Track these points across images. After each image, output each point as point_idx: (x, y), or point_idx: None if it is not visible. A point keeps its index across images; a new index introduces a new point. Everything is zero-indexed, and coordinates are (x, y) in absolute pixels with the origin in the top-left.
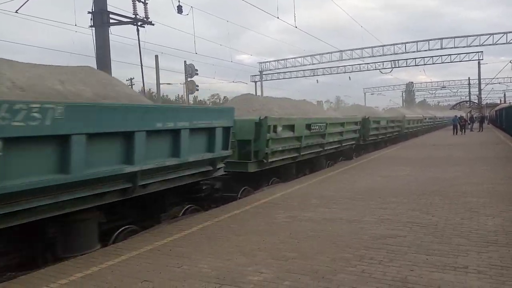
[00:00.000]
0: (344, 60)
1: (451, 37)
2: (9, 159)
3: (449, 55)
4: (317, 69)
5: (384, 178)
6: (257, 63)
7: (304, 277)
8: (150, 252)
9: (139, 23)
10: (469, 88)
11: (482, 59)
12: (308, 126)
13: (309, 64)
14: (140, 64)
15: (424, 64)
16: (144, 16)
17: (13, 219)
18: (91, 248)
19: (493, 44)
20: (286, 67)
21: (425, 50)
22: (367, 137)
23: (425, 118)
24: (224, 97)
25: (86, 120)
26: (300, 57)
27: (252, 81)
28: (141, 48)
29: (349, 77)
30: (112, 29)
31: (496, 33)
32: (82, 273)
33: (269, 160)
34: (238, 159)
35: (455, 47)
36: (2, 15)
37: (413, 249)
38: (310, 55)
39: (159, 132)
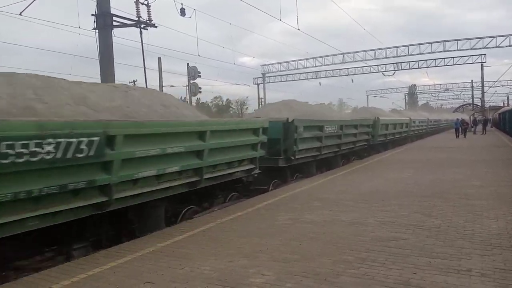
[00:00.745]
0: (346, 62)
1: (454, 40)
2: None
3: (452, 57)
4: (320, 71)
5: (387, 181)
6: (260, 66)
7: (306, 279)
8: (152, 253)
9: (142, 26)
10: (472, 91)
11: (485, 62)
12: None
13: (312, 67)
14: (143, 66)
15: (427, 67)
16: (147, 19)
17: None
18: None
19: (496, 47)
20: (289, 70)
21: (428, 53)
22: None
23: (431, 121)
24: (227, 99)
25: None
26: (302, 59)
27: (255, 84)
28: (144, 51)
29: (352, 80)
30: (116, 31)
31: (499, 36)
32: (85, 274)
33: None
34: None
35: (458, 50)
36: (5, 17)
37: (416, 252)
38: (313, 58)
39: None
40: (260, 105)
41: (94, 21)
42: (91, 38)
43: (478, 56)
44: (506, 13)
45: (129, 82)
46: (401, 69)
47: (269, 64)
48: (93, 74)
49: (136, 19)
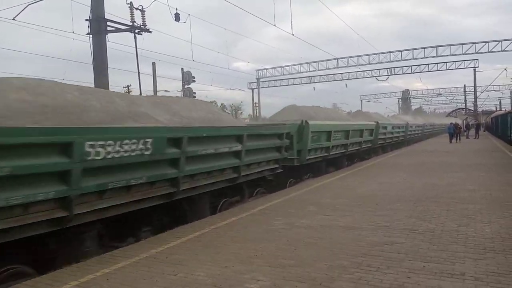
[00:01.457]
0: (340, 67)
1: (446, 45)
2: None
3: (445, 62)
4: (314, 76)
5: (381, 185)
6: (254, 70)
7: (301, 285)
8: (146, 259)
9: (136, 31)
10: (465, 96)
11: (478, 67)
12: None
13: (306, 72)
14: (137, 71)
15: (420, 72)
16: (141, 24)
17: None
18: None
19: (488, 52)
20: (283, 75)
21: (421, 58)
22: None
23: (426, 126)
24: (221, 104)
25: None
26: (297, 64)
27: (249, 88)
28: (138, 56)
29: (346, 85)
30: (110, 36)
31: (491, 41)
32: (77, 281)
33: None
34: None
35: (450, 55)
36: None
37: (410, 256)
38: (307, 63)
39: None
40: (255, 110)
41: (88, 26)
42: (85, 43)
43: (470, 61)
44: (500, 19)
45: (123, 87)
46: (395, 74)
47: (263, 69)
48: (86, 79)
49: (131, 24)
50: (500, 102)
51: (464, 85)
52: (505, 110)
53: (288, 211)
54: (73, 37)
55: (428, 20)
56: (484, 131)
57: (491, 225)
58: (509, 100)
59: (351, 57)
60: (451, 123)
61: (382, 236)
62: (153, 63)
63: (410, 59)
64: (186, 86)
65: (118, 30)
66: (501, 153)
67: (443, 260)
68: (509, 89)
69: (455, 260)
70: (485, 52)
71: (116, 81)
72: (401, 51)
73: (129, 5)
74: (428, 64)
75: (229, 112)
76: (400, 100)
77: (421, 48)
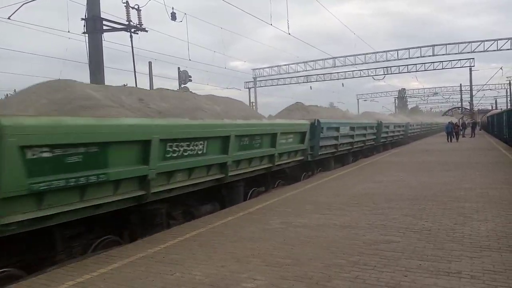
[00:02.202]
0: (337, 66)
1: (442, 44)
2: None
3: (441, 61)
4: (311, 75)
5: (378, 184)
6: (251, 70)
7: (298, 284)
8: (142, 259)
9: (132, 30)
10: (461, 95)
11: (474, 66)
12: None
13: (303, 71)
14: (133, 70)
15: (416, 71)
16: (137, 23)
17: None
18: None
19: (484, 51)
20: (280, 74)
21: (417, 57)
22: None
23: (424, 124)
24: None
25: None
26: (293, 63)
27: (246, 88)
28: (134, 55)
29: (342, 84)
30: (106, 35)
31: (487, 40)
32: (73, 281)
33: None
34: None
35: (447, 54)
36: None
37: (407, 255)
38: (304, 62)
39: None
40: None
41: (84, 25)
42: (81, 42)
43: (466, 60)
44: (497, 18)
45: None
46: (391, 73)
47: (260, 68)
48: (82, 79)
49: (127, 23)
50: (496, 101)
51: (460, 84)
52: (501, 109)
53: (285, 210)
54: (69, 36)
55: (425, 19)
56: (480, 130)
57: (487, 224)
58: (505, 99)
59: (347, 56)
60: (449, 122)
61: (379, 234)
62: (150, 62)
63: (406, 58)
64: (182, 85)
65: (114, 29)
66: (497, 152)
67: (440, 259)
68: (504, 88)
69: (452, 259)
70: (481, 51)
71: (112, 81)
72: (397, 50)
73: (125, 4)
74: (424, 63)
75: None
76: (396, 99)
77: (417, 47)
